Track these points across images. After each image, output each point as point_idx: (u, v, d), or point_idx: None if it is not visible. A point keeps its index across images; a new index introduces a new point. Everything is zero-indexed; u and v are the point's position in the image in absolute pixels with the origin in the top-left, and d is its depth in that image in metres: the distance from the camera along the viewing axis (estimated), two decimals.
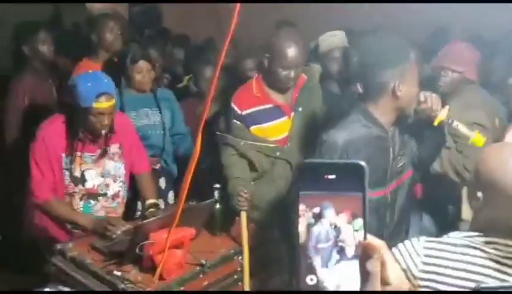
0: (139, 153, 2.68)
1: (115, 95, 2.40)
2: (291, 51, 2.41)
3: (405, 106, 2.02)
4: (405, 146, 2.13)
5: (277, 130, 2.56)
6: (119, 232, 2.30)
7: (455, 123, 2.07)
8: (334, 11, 4.68)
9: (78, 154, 2.42)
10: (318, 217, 0.70)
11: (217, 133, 2.66)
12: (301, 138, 2.53)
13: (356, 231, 0.70)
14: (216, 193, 2.37)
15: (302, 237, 0.69)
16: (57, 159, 2.41)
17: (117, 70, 2.99)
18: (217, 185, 2.38)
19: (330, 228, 0.70)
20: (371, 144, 2.01)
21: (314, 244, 0.70)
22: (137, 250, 2.00)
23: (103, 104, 2.31)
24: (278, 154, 2.55)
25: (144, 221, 2.21)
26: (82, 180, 2.46)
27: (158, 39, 4.42)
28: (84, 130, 2.40)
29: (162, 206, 2.88)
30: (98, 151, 2.48)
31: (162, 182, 3.09)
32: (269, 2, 4.46)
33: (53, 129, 2.41)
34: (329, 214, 0.70)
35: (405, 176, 2.15)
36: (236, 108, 2.54)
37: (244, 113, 2.53)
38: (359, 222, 0.70)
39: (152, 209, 2.50)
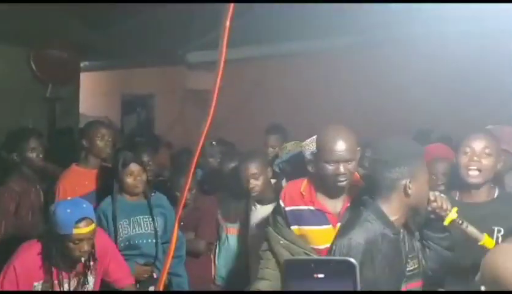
0: (120, 267, 2.64)
1: (95, 220, 2.37)
2: (337, 143, 2.18)
3: (415, 205, 2.02)
4: (413, 250, 2.08)
5: (318, 237, 2.29)
6: None
7: (465, 224, 2.03)
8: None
9: (56, 282, 2.35)
10: None
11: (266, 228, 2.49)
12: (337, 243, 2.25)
13: None
14: None
15: None
16: (27, 287, 2.32)
17: (110, 175, 2.99)
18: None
19: None
20: (387, 245, 1.97)
21: None
22: None
23: (83, 230, 2.27)
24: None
25: None
26: None
27: (149, 145, 4.49)
28: (62, 259, 2.34)
29: None
30: (75, 278, 2.43)
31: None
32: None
33: (28, 260, 2.34)
34: None
35: (415, 283, 2.05)
36: (281, 203, 2.39)
37: (287, 208, 2.36)
38: None
39: None
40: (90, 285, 2.47)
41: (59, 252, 2.31)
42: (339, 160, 2.18)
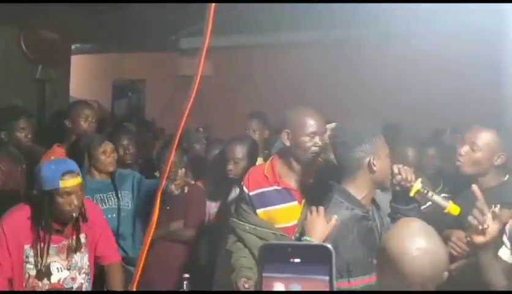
0: (109, 242, 2.60)
1: (80, 175, 2.37)
2: (313, 118, 2.36)
3: (380, 180, 2.07)
4: (383, 224, 2.12)
5: (285, 215, 2.37)
6: None
7: (430, 193, 2.08)
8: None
9: (43, 246, 2.32)
10: None
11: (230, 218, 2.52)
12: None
13: None
14: (185, 284, 2.27)
15: None
16: (18, 252, 2.30)
17: (81, 153, 3.04)
18: (186, 275, 2.29)
19: None
20: (358, 226, 2.01)
21: None
22: None
23: (69, 182, 2.27)
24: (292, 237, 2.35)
25: None
26: (47, 274, 2.34)
27: (134, 130, 4.48)
28: (52, 219, 2.32)
29: None
30: (64, 242, 2.39)
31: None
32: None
33: (16, 220, 2.33)
34: None
35: None
36: (244, 189, 2.44)
37: (251, 193, 2.41)
38: None
39: None
40: (85, 260, 2.45)
41: (49, 212, 2.29)
42: (317, 132, 2.33)
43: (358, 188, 2.05)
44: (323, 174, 2.36)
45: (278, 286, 0.68)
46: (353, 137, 2.04)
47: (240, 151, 2.97)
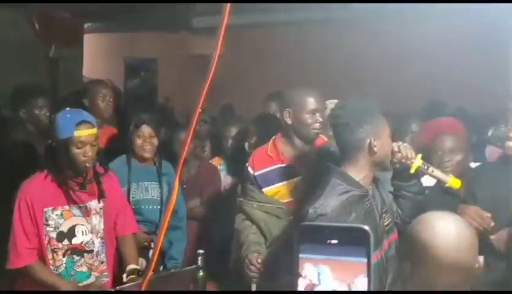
0: (126, 214, 2.61)
1: (95, 126, 2.37)
2: (313, 96, 2.47)
3: (381, 160, 2.07)
4: (385, 204, 2.13)
5: (291, 190, 2.48)
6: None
7: (430, 169, 2.11)
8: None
9: (66, 207, 2.36)
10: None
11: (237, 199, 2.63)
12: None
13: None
14: (200, 260, 2.32)
15: None
16: (41, 216, 2.33)
17: (123, 138, 2.99)
18: (201, 251, 2.34)
19: None
20: (356, 207, 2.01)
21: None
22: None
23: (84, 132, 2.28)
24: (291, 217, 2.46)
25: (123, 286, 2.14)
26: (70, 235, 2.36)
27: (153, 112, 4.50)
28: (68, 174, 2.33)
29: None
30: (88, 203, 2.41)
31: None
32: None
33: (34, 185, 2.35)
34: (325, 278, 0.68)
35: (393, 236, 2.11)
36: (250, 170, 2.54)
37: (256, 173, 2.52)
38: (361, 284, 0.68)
39: (132, 275, 2.42)
40: (101, 225, 2.46)
41: (64, 161, 2.30)
42: (317, 109, 2.45)
43: (358, 170, 2.04)
44: (325, 152, 2.48)
45: (309, 268, 0.69)
46: (353, 118, 2.03)
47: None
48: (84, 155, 2.30)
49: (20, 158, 3.11)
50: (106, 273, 2.48)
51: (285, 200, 2.48)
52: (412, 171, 2.09)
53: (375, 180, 2.14)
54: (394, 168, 2.16)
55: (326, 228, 0.70)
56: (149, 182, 2.96)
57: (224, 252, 2.95)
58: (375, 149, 2.00)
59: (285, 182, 2.49)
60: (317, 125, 2.45)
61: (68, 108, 2.42)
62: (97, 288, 2.40)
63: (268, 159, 2.52)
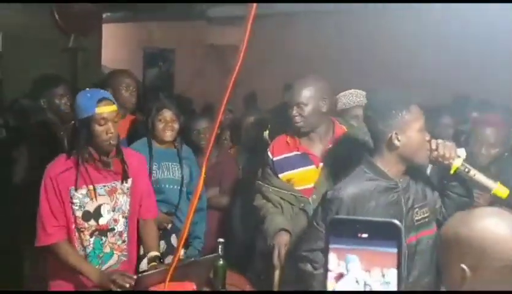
0: (149, 197, 2.61)
1: (116, 104, 2.37)
2: (294, 88, 2.56)
3: (409, 155, 2.02)
4: (424, 199, 2.09)
5: (303, 178, 2.56)
6: (127, 285, 2.18)
7: (472, 172, 1.96)
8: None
9: (91, 187, 2.36)
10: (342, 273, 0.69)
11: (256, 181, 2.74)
12: (326, 191, 2.44)
13: (387, 283, 0.68)
14: (220, 248, 2.33)
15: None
16: (66, 195, 2.33)
17: (144, 123, 3.02)
18: (221, 240, 2.34)
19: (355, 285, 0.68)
20: (379, 197, 2.01)
21: None
22: None
23: (105, 108, 2.29)
24: (302, 205, 2.54)
25: (145, 273, 2.16)
26: (96, 215, 2.37)
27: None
28: (93, 152, 2.34)
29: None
30: (114, 182, 2.42)
31: (174, 240, 3.03)
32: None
33: (58, 165, 2.36)
34: (354, 267, 0.69)
35: (427, 231, 2.07)
36: (269, 154, 2.65)
37: (274, 159, 2.63)
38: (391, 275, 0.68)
39: (153, 263, 2.44)
40: (127, 205, 2.46)
41: (87, 140, 2.30)
42: (292, 103, 2.53)
43: (386, 161, 2.03)
44: (343, 142, 2.54)
45: (338, 257, 0.69)
46: (377, 110, 2.03)
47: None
48: (107, 132, 2.30)
49: (41, 147, 3.15)
50: (125, 253, 2.49)
51: (298, 187, 2.57)
52: (451, 171, 1.99)
53: (413, 174, 2.09)
54: (434, 167, 2.14)
55: (357, 222, 0.70)
56: (170, 163, 2.99)
57: (244, 241, 2.98)
58: (397, 143, 1.98)
59: (298, 170, 2.58)
60: (296, 118, 2.53)
61: (87, 89, 2.43)
62: (119, 270, 2.41)
63: (286, 146, 2.63)
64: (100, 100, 2.29)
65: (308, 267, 2.13)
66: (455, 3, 4.02)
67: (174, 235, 3.03)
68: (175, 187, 2.99)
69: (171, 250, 2.87)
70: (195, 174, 3.06)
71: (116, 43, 7.65)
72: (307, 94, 2.52)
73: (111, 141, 2.32)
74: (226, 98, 1.07)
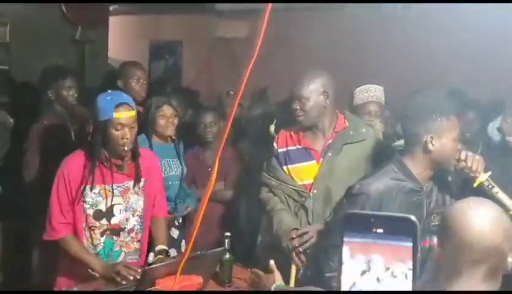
0: (162, 196, 2.67)
1: (135, 108, 2.39)
2: (297, 82, 2.58)
3: (439, 160, 2.04)
4: (443, 206, 2.10)
5: (304, 173, 2.60)
6: (131, 278, 2.21)
7: (495, 189, 2.00)
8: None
9: (104, 186, 2.37)
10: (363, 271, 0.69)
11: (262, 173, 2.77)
12: (326, 186, 2.51)
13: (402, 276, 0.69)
14: (226, 242, 2.33)
15: (344, 287, 0.68)
16: (78, 193, 2.36)
17: (143, 119, 3.03)
18: (228, 234, 2.35)
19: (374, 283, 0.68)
20: (404, 198, 2.02)
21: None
22: None
23: (123, 114, 2.30)
24: (303, 200, 2.55)
25: (152, 266, 2.16)
26: (109, 215, 2.39)
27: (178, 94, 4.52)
28: (108, 155, 2.35)
29: (174, 254, 2.83)
30: (127, 182, 2.44)
31: (174, 232, 3.06)
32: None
33: (75, 162, 2.38)
34: (376, 266, 0.68)
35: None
36: (275, 145, 2.71)
37: (279, 150, 2.69)
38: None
39: (160, 256, 2.45)
40: (140, 203, 2.48)
41: (103, 143, 2.33)
42: (295, 97, 2.56)
43: (416, 164, 2.05)
44: (342, 136, 2.58)
45: (345, 253, 0.68)
46: (416, 111, 2.04)
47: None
48: (123, 137, 2.31)
49: (50, 139, 3.16)
50: (138, 252, 2.51)
51: (299, 182, 2.60)
52: (474, 185, 2.02)
53: (436, 180, 2.11)
54: (457, 176, 2.12)
55: (372, 217, 0.70)
56: (170, 159, 3.04)
57: (249, 235, 2.98)
58: (431, 147, 2.00)
59: (299, 164, 2.63)
60: (298, 112, 2.57)
61: (109, 91, 2.43)
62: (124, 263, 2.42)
63: (289, 139, 2.68)
64: (118, 105, 2.29)
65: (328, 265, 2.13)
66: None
67: (173, 228, 3.05)
68: (176, 182, 3.04)
69: (171, 242, 2.89)
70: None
71: (123, 35, 7.63)
72: (308, 88, 2.54)
73: (126, 147, 2.34)
74: (240, 94, 1.06)
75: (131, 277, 2.20)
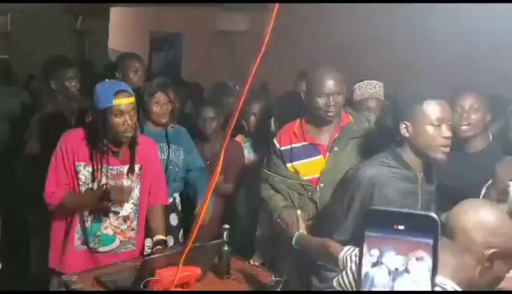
0: (159, 184, 2.64)
1: (133, 96, 2.40)
2: (326, 78, 2.50)
3: (420, 147, 2.08)
4: (431, 200, 2.16)
5: (311, 168, 2.58)
6: (125, 196, 2.34)
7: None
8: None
9: (98, 167, 2.40)
10: (377, 261, 0.70)
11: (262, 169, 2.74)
12: (333, 180, 2.51)
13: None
14: (225, 234, 2.35)
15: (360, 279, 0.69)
16: (74, 170, 2.40)
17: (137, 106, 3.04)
18: (226, 226, 2.37)
19: (388, 274, 0.69)
20: (398, 183, 2.07)
21: (369, 287, 0.70)
22: (141, 286, 1.98)
23: (122, 100, 2.32)
24: (309, 194, 2.55)
25: (151, 256, 2.19)
26: None
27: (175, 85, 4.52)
28: (107, 141, 2.38)
29: (171, 243, 2.84)
30: (121, 166, 2.46)
31: (173, 219, 3.06)
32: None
33: (73, 138, 2.42)
34: (388, 258, 0.69)
35: None
36: (276, 143, 2.66)
37: (282, 148, 2.64)
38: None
39: (159, 246, 2.47)
40: (135, 191, 2.50)
41: (103, 131, 2.35)
42: (329, 93, 2.48)
43: (405, 152, 2.11)
44: (347, 131, 2.56)
45: (372, 247, 0.70)
46: (396, 103, 2.16)
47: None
48: (124, 123, 2.34)
49: (51, 128, 3.17)
50: (134, 241, 2.52)
51: (305, 177, 2.58)
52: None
53: (430, 176, 2.15)
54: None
55: (394, 214, 0.71)
56: (161, 143, 2.99)
57: (248, 227, 3.00)
58: (407, 134, 2.07)
59: (306, 160, 2.59)
60: (330, 109, 2.49)
61: (107, 80, 2.45)
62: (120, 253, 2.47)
63: (293, 136, 2.63)
64: (117, 92, 2.32)
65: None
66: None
67: (173, 214, 3.05)
68: (169, 167, 2.97)
69: (170, 230, 2.88)
70: (190, 152, 3.11)
71: (123, 26, 7.62)
72: (341, 83, 2.52)
73: (127, 133, 2.36)
74: (247, 89, 1.06)
75: (124, 196, 2.34)
